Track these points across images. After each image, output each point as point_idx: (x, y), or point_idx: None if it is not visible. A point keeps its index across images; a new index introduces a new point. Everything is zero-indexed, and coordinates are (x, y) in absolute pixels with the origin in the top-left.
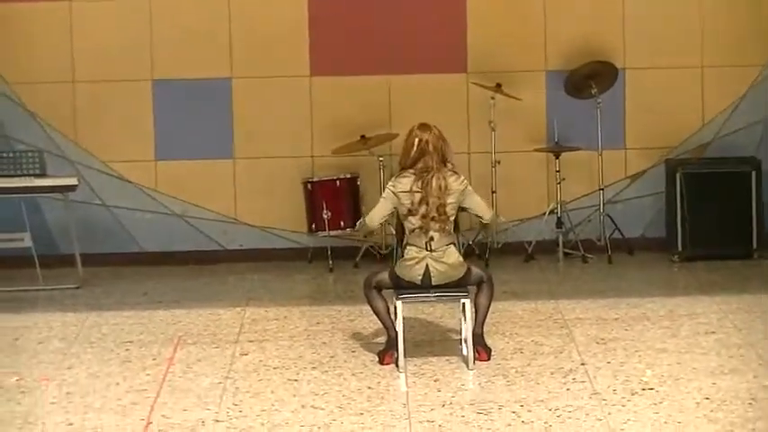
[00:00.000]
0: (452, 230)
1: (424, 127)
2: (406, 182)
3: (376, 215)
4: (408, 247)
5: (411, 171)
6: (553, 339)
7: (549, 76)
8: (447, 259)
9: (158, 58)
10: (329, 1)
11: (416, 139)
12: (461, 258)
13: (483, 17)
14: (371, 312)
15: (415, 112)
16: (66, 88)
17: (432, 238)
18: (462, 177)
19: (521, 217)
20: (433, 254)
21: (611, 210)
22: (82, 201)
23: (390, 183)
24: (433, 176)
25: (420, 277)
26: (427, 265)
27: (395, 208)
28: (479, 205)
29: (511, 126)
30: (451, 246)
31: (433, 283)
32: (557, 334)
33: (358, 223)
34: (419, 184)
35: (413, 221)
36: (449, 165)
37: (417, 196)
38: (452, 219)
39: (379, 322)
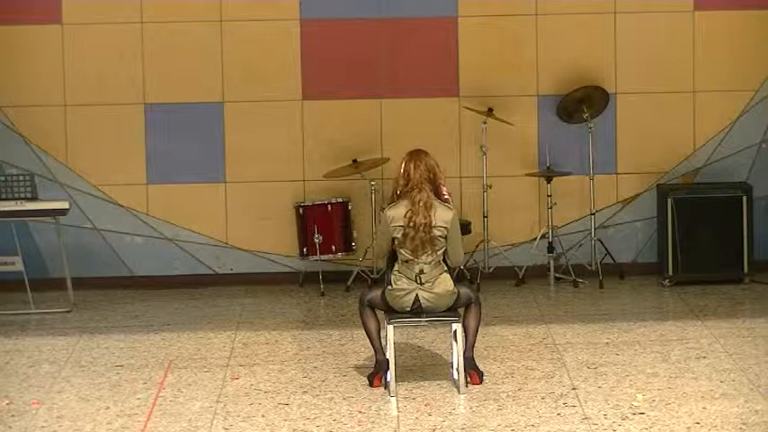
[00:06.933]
0: (442, 260)
1: (413, 154)
2: (397, 214)
3: (380, 251)
4: (398, 275)
5: (402, 199)
6: (544, 364)
7: (540, 100)
8: (437, 289)
9: (150, 81)
10: (321, 25)
11: (403, 165)
12: (452, 285)
13: (475, 42)
14: (363, 336)
15: (407, 137)
16: (58, 112)
17: (422, 271)
18: (454, 211)
19: (512, 241)
20: (424, 285)
21: (603, 234)
22: (73, 224)
23: (386, 213)
24: (419, 197)
25: (409, 308)
26: (417, 295)
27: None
28: (457, 246)
29: (502, 150)
30: (443, 274)
31: (424, 311)
32: (548, 358)
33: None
34: (408, 206)
35: (404, 253)
36: (444, 194)
37: (406, 220)
38: (441, 250)
39: (370, 346)
